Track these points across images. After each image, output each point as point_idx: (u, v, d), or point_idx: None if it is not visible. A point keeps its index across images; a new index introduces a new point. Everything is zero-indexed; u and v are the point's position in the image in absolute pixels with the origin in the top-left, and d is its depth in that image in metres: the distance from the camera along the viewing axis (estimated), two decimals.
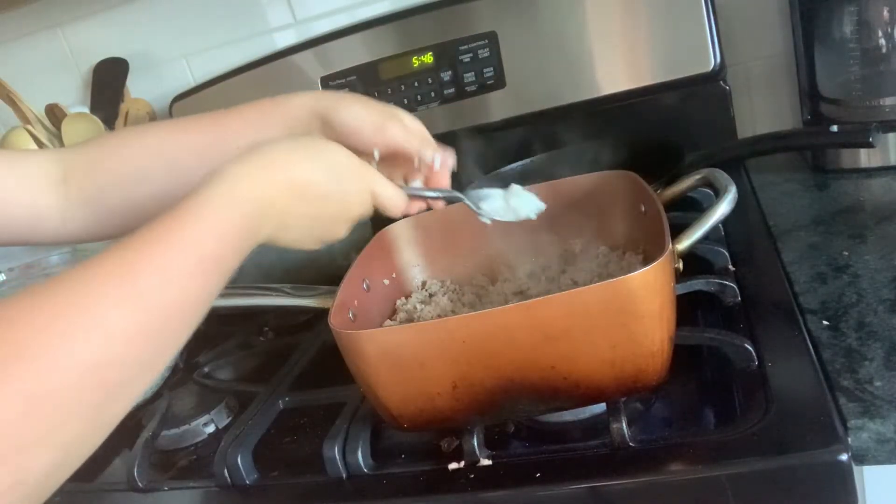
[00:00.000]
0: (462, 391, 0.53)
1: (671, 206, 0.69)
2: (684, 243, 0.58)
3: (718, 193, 0.61)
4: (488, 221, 0.64)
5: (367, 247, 0.71)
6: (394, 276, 0.74)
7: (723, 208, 0.59)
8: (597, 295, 0.50)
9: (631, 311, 0.51)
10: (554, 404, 0.56)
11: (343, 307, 0.61)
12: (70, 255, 1.14)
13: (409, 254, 0.76)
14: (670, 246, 0.54)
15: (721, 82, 1.01)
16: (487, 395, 0.54)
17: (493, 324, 0.51)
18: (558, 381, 0.52)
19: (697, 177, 0.69)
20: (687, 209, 0.79)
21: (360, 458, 0.59)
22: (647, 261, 0.64)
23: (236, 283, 0.89)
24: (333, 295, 0.62)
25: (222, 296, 0.68)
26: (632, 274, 0.50)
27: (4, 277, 1.18)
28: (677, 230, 0.59)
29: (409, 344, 0.53)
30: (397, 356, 0.53)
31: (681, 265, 0.58)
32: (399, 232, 0.76)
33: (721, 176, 0.64)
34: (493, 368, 0.52)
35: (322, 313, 0.61)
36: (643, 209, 0.67)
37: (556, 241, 0.75)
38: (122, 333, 0.38)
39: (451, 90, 1.08)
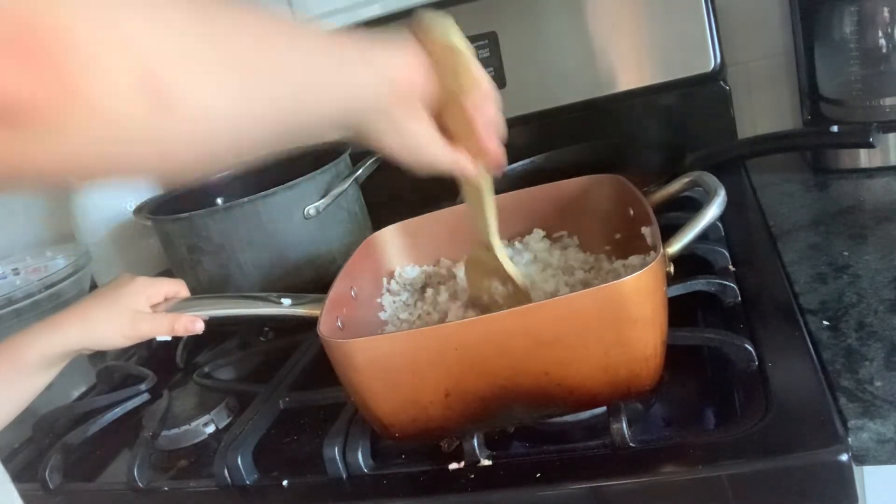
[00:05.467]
0: (455, 399, 0.53)
1: (662, 209, 0.69)
2: (674, 247, 0.58)
3: (708, 197, 0.61)
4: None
5: (354, 254, 0.71)
6: (383, 281, 0.74)
7: (712, 211, 0.60)
8: (589, 300, 0.50)
9: (623, 316, 0.50)
10: (547, 411, 0.56)
11: (331, 316, 0.61)
12: (79, 259, 1.13)
13: (397, 259, 0.76)
14: (661, 250, 0.54)
15: (721, 82, 1.01)
16: (480, 403, 0.53)
17: (486, 330, 0.51)
18: (552, 388, 0.52)
19: (686, 180, 0.69)
20: (689, 210, 0.79)
21: (360, 458, 0.59)
22: (635, 265, 0.64)
23: (227, 291, 0.90)
24: (322, 302, 0.62)
25: (207, 307, 0.69)
26: (624, 279, 0.50)
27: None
28: (673, 231, 0.59)
29: (400, 352, 0.53)
30: (388, 365, 0.53)
31: (671, 269, 0.58)
32: (386, 238, 0.76)
33: (710, 179, 0.64)
34: (486, 375, 0.52)
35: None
36: (631, 213, 0.67)
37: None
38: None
39: None
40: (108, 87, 0.27)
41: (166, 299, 0.69)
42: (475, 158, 0.55)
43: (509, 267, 0.63)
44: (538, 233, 0.76)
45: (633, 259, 0.65)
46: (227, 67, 0.33)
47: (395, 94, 0.48)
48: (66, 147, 0.27)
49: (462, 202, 0.63)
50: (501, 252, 0.64)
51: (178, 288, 0.71)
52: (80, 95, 0.26)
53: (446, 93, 0.51)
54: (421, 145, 0.52)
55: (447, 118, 0.53)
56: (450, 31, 0.50)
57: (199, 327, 0.68)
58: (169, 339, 0.68)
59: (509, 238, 0.77)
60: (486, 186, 0.59)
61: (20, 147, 0.26)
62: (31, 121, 0.26)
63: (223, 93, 0.32)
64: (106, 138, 0.28)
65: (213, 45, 0.32)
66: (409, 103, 0.50)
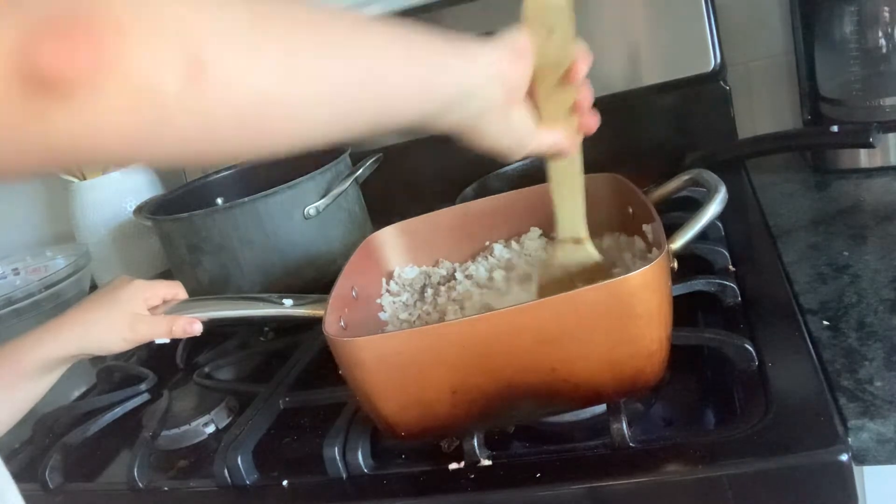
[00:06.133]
0: (461, 397, 0.53)
1: (661, 208, 0.69)
2: (677, 243, 0.58)
3: (709, 194, 0.61)
4: None
5: (353, 254, 0.71)
6: (382, 281, 0.75)
7: (714, 208, 0.60)
8: (595, 296, 0.50)
9: (629, 312, 0.50)
10: (553, 407, 0.56)
11: (335, 316, 0.61)
12: (79, 259, 1.13)
13: (396, 259, 0.76)
14: (667, 245, 0.54)
15: (721, 82, 1.01)
16: (486, 401, 0.53)
17: (492, 327, 0.51)
18: (558, 384, 0.52)
19: (686, 178, 0.69)
20: (688, 210, 0.79)
21: (360, 458, 0.59)
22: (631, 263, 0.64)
23: (228, 291, 0.90)
24: (323, 303, 0.62)
25: (206, 308, 0.69)
26: (630, 274, 0.50)
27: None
28: (674, 230, 0.59)
29: (406, 350, 0.53)
30: (395, 363, 0.53)
31: (675, 265, 0.58)
32: (386, 238, 0.76)
33: (710, 176, 0.64)
34: (492, 372, 0.52)
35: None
36: (630, 211, 0.67)
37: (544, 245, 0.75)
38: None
39: None
40: (144, 58, 0.27)
41: (164, 301, 0.69)
42: (569, 131, 0.52)
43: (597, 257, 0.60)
44: (535, 231, 0.76)
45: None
46: (275, 49, 0.32)
47: (506, 90, 0.46)
48: (101, 118, 0.27)
49: (465, 200, 0.63)
50: (591, 246, 0.60)
51: (175, 290, 0.70)
52: (117, 65, 0.26)
53: (544, 62, 0.48)
54: (525, 134, 0.50)
55: (538, 90, 0.50)
56: None
57: (198, 329, 0.68)
58: (167, 341, 0.68)
59: (506, 238, 0.77)
60: (580, 163, 0.56)
61: (61, 119, 0.26)
62: (69, 91, 0.26)
63: (267, 72, 0.31)
64: (142, 108, 0.28)
65: (263, 28, 0.32)
66: (517, 95, 0.47)
